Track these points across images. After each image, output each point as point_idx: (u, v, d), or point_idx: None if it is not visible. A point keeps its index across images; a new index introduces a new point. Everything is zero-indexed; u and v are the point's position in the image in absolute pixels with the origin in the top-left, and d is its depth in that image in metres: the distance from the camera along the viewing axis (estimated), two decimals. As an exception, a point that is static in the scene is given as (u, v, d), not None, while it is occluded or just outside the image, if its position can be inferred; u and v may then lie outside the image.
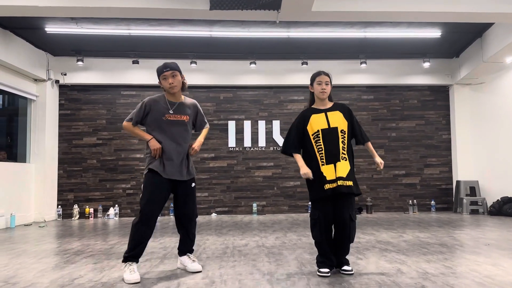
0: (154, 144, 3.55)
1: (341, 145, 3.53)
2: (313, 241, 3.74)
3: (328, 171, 3.48)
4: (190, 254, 3.78)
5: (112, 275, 3.62)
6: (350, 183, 3.44)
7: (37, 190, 8.53)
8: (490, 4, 6.17)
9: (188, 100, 3.80)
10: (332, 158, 3.50)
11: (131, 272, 3.38)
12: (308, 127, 3.63)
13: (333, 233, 3.59)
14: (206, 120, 3.98)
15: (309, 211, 3.70)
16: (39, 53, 8.54)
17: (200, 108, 3.92)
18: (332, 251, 3.58)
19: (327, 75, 3.69)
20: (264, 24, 7.41)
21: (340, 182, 3.42)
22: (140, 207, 3.50)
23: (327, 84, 3.65)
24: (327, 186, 3.44)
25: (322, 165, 3.51)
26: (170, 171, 3.56)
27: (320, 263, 3.56)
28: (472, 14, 6.27)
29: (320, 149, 3.54)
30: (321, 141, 3.55)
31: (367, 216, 8.70)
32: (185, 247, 3.77)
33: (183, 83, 3.74)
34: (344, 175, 3.44)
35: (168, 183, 3.57)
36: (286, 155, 3.82)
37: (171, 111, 3.64)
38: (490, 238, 5.46)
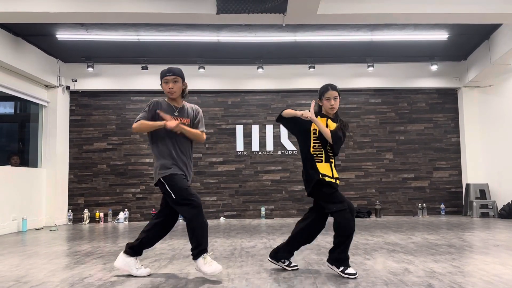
0: (172, 122, 3.47)
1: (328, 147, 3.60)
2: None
3: (324, 168, 3.53)
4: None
5: (122, 274, 3.66)
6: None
7: (48, 195, 8.64)
8: (497, 4, 6.16)
9: (189, 104, 3.81)
10: (327, 158, 3.57)
11: (210, 264, 3.38)
12: (312, 125, 3.61)
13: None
14: (203, 127, 3.81)
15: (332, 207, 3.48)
16: (50, 60, 8.70)
17: (201, 114, 3.83)
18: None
19: (335, 89, 3.65)
20: (271, 29, 7.47)
21: (338, 181, 3.59)
22: (188, 201, 3.42)
23: (335, 99, 3.62)
24: (328, 179, 3.50)
25: (317, 162, 3.54)
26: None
27: (349, 260, 3.48)
28: (479, 15, 6.26)
29: (319, 147, 3.56)
30: (318, 140, 3.56)
31: (376, 219, 8.68)
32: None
33: (183, 90, 3.74)
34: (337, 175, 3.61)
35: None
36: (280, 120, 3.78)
37: (176, 113, 3.67)
38: (500, 239, 5.42)
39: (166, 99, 3.73)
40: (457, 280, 3.23)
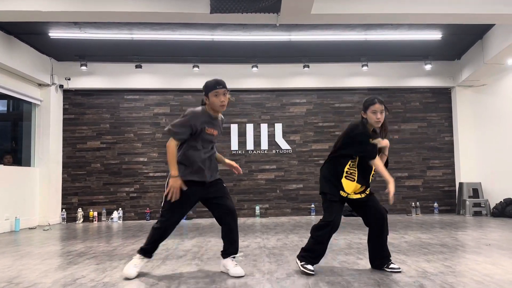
0: (174, 183, 3.43)
1: (371, 173, 3.67)
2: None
3: (354, 187, 3.59)
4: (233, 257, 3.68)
5: (114, 275, 3.65)
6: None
7: (41, 194, 8.60)
8: (490, 5, 6.20)
9: (221, 116, 3.77)
10: (362, 181, 3.61)
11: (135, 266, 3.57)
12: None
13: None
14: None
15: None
16: (43, 58, 8.64)
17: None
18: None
19: (382, 103, 3.59)
20: (265, 28, 7.47)
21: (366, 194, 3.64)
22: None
23: (381, 113, 3.56)
24: (350, 196, 3.59)
25: (348, 179, 3.60)
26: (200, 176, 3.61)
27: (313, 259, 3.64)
28: (472, 16, 6.30)
29: (353, 167, 3.61)
30: (355, 164, 3.61)
31: (370, 218, 8.68)
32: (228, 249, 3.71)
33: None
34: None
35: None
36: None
37: (211, 125, 3.58)
38: (492, 238, 5.46)
39: (206, 109, 3.56)
40: (449, 280, 3.25)
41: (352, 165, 3.60)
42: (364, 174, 3.62)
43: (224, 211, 3.65)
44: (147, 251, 3.63)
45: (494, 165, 9.02)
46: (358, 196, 3.59)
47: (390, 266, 3.59)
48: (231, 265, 3.61)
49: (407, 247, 4.84)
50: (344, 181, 3.58)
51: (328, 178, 3.65)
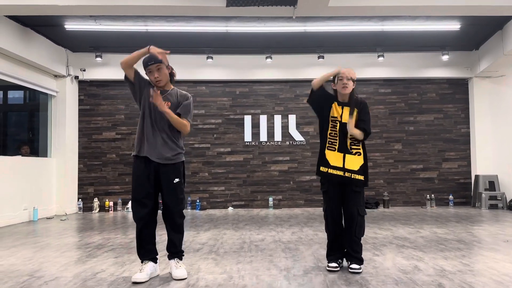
0: (154, 48, 3.30)
1: (349, 140, 3.59)
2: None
3: (335, 157, 3.57)
4: (177, 259, 3.51)
5: (133, 269, 3.71)
6: (360, 177, 3.55)
7: (58, 184, 8.73)
8: (510, -4, 6.05)
9: (179, 91, 3.55)
10: (343, 149, 3.58)
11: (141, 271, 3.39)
12: (333, 107, 3.65)
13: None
14: (189, 117, 3.50)
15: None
16: (59, 50, 8.69)
17: (189, 101, 3.51)
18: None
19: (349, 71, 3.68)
20: (280, 19, 7.38)
21: (347, 174, 3.54)
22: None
23: (348, 80, 3.61)
24: (330, 171, 3.57)
25: (329, 150, 3.61)
26: (146, 150, 3.41)
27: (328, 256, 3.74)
28: (492, 8, 6.14)
29: (335, 136, 3.61)
30: (337, 129, 3.60)
31: (384, 210, 8.68)
32: (168, 248, 3.53)
33: (171, 74, 3.53)
34: (356, 168, 3.54)
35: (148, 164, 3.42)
36: (310, 101, 3.80)
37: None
38: (509, 234, 5.41)
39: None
40: (468, 279, 3.23)
41: (334, 134, 3.60)
42: (343, 141, 3.58)
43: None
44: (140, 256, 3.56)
45: (511, 158, 8.88)
46: (340, 173, 3.53)
47: (351, 266, 3.51)
48: (173, 267, 3.47)
49: (424, 243, 4.81)
50: (327, 152, 3.60)
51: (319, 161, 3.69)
